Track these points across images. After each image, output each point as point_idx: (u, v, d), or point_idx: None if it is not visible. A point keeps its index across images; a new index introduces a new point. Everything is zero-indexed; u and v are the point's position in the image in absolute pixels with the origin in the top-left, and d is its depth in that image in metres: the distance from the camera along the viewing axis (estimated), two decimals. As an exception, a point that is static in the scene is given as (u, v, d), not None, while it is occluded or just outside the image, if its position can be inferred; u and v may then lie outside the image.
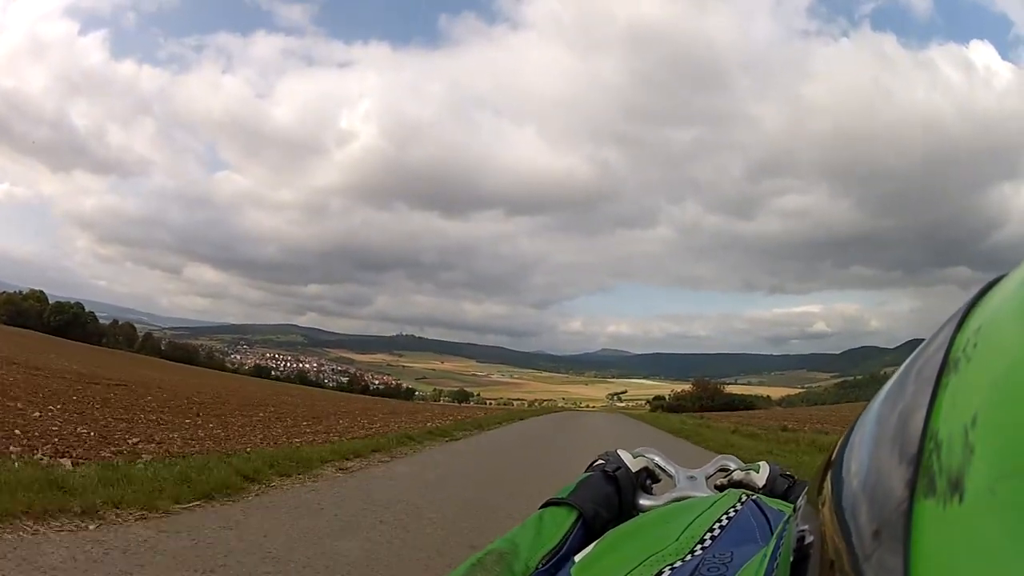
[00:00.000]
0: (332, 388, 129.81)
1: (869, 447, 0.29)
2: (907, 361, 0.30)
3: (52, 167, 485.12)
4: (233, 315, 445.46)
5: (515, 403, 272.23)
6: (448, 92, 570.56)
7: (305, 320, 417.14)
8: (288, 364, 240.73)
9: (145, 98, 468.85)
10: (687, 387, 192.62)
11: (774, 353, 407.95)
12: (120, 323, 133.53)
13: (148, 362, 63.24)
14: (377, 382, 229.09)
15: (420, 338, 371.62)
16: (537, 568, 0.64)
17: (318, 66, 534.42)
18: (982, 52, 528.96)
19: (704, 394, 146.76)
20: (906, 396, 0.28)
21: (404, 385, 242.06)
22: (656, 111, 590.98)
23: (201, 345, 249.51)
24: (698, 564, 0.52)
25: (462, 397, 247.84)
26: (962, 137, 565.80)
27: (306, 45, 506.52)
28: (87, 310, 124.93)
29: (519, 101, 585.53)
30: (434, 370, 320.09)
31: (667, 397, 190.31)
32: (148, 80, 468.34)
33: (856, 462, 0.29)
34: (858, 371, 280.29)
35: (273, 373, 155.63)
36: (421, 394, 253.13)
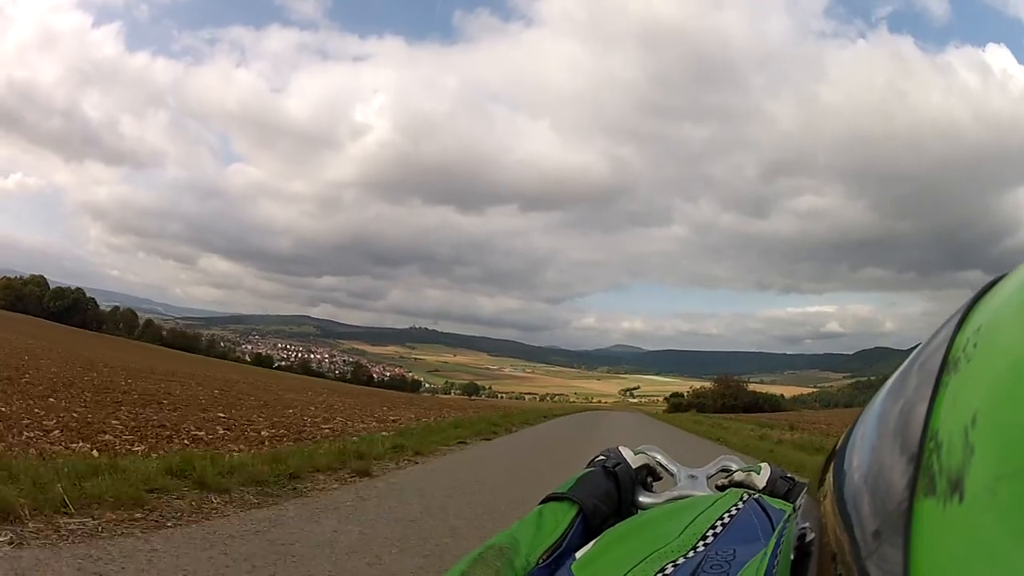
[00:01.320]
0: (334, 379, 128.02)
1: (871, 444, 0.29)
2: (908, 359, 0.30)
3: (65, 157, 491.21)
4: (246, 306, 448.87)
5: (526, 397, 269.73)
6: (463, 87, 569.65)
7: (319, 312, 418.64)
8: (298, 354, 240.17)
9: (159, 90, 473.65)
10: (706, 384, 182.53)
11: (787, 352, 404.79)
12: (122, 310, 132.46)
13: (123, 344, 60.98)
14: (388, 374, 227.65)
15: (433, 331, 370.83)
16: (537, 563, 0.63)
17: (332, 60, 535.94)
18: (999, 56, 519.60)
19: (727, 391, 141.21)
20: (907, 395, 0.28)
21: (411, 376, 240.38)
22: (671, 107, 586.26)
23: (212, 334, 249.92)
24: (701, 561, 0.52)
25: (471, 390, 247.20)
26: (978, 141, 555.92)
27: (320, 39, 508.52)
28: (93, 298, 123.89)
29: (534, 97, 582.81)
30: (447, 363, 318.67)
31: (686, 394, 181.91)
32: (162, 72, 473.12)
33: (858, 458, 0.29)
34: (871, 372, 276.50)
35: (276, 363, 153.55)
36: (432, 386, 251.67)
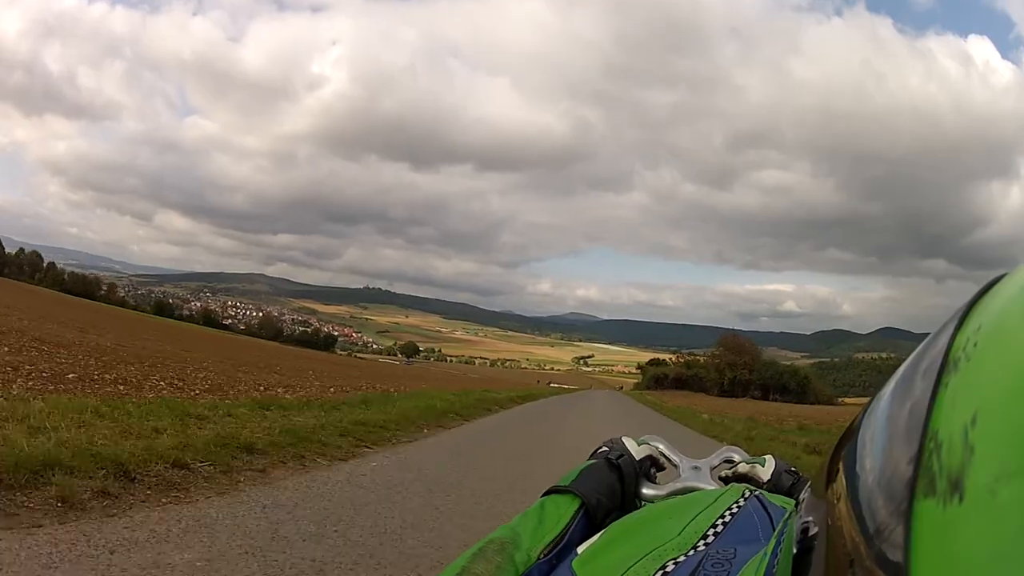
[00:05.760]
0: (238, 332, 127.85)
1: (875, 444, 0.29)
2: (909, 358, 0.30)
3: (25, 111, 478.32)
4: (203, 264, 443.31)
5: (476, 362, 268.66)
6: (422, 42, 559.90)
7: (274, 270, 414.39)
8: (248, 311, 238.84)
9: (117, 40, 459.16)
10: (696, 354, 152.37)
11: (743, 328, 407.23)
12: (26, 252, 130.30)
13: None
14: (334, 331, 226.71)
15: (388, 292, 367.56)
16: (539, 558, 0.63)
17: (290, 10, 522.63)
18: (982, 48, 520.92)
19: (737, 360, 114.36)
20: (907, 395, 0.28)
21: (326, 332, 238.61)
22: (637, 70, 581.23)
23: (164, 291, 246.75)
24: (702, 559, 0.52)
25: (410, 351, 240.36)
26: (955, 130, 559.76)
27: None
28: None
29: (495, 54, 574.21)
30: (398, 324, 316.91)
31: (671, 362, 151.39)
32: (120, 21, 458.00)
33: (867, 458, 0.29)
34: (830, 354, 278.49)
35: (176, 313, 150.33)
36: (379, 346, 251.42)
